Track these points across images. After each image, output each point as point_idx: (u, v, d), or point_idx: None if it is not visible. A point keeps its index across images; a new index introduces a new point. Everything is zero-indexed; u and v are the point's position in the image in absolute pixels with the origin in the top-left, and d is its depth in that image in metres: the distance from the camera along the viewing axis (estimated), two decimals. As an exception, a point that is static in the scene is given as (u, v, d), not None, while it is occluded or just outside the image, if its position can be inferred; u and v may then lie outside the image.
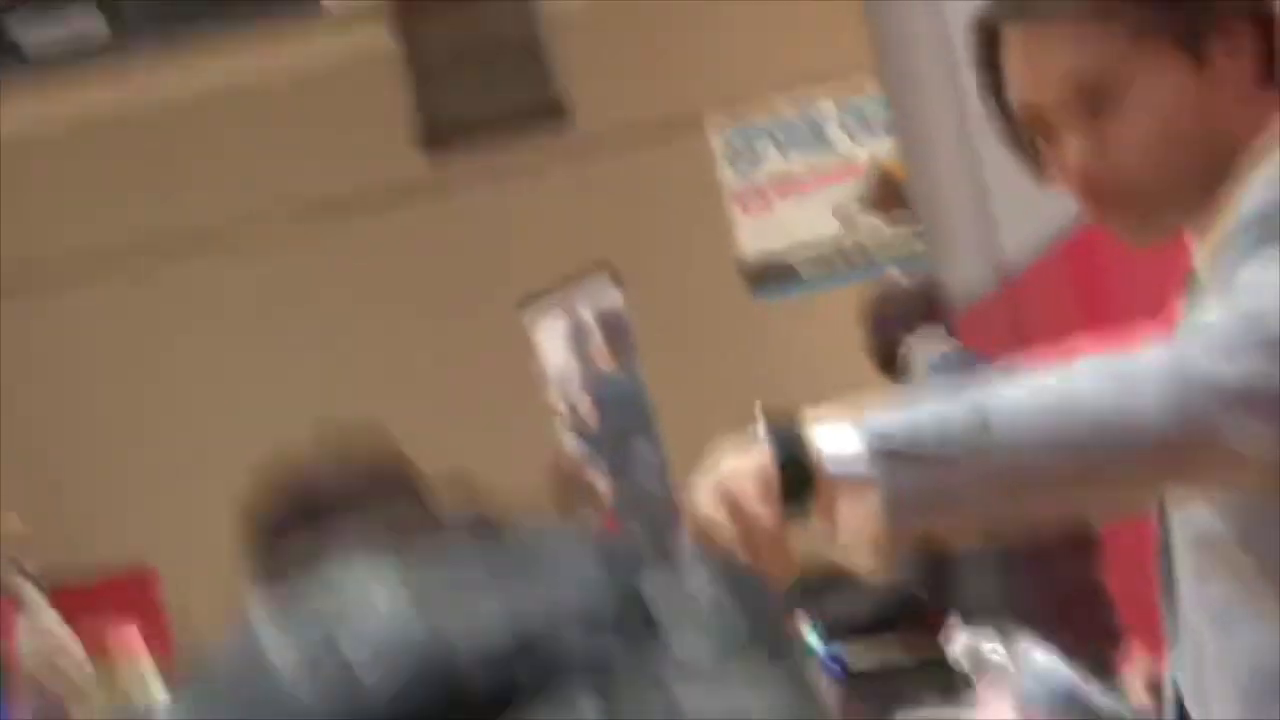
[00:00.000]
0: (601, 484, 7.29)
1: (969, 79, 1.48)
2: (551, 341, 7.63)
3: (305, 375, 12.06)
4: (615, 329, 7.35)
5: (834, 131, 10.89)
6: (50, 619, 11.63)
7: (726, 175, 11.12)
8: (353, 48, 11.74)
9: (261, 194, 11.71)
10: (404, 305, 11.69)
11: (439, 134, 11.54)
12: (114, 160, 11.87)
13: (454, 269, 11.33)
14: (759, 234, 10.83)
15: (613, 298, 7.34)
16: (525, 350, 7.71)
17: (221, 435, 11.78)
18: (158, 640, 11.99)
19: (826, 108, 11.08)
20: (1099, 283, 6.62)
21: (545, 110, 11.07)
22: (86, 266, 11.97)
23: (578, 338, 7.54)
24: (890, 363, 3.85)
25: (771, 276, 10.78)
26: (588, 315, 7.56)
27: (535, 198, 11.12)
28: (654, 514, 6.79)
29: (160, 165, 11.82)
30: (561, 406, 7.44)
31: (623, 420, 7.18)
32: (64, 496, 12.08)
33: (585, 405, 7.38)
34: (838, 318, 11.70)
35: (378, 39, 11.72)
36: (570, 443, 7.41)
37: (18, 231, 11.80)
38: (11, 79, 11.10)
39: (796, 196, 10.93)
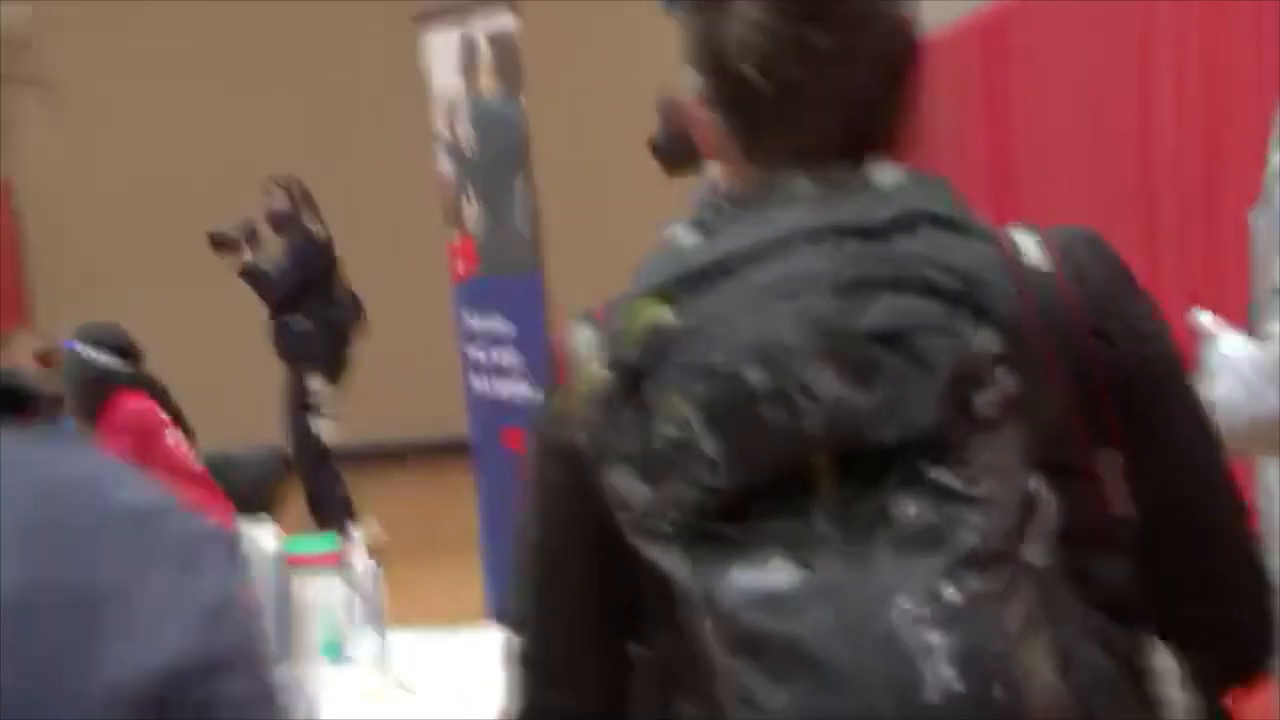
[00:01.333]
0: (470, 212, 6.88)
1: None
2: (441, 61, 6.73)
3: (186, 93, 11.51)
4: (506, 54, 6.56)
5: None
6: None
7: None
8: None
9: None
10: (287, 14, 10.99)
11: None
12: None
13: None
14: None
15: (506, 21, 6.46)
16: (414, 66, 6.87)
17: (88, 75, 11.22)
18: (8, 264, 11.20)
19: None
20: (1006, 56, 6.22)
21: None
22: None
23: (467, 59, 6.67)
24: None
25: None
26: (480, 36, 6.62)
27: None
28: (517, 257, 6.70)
29: None
30: (444, 129, 6.77)
31: (500, 151, 6.66)
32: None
33: (465, 130, 6.74)
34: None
35: None
36: (446, 166, 6.84)
37: None
38: None
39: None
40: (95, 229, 11.87)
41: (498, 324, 6.63)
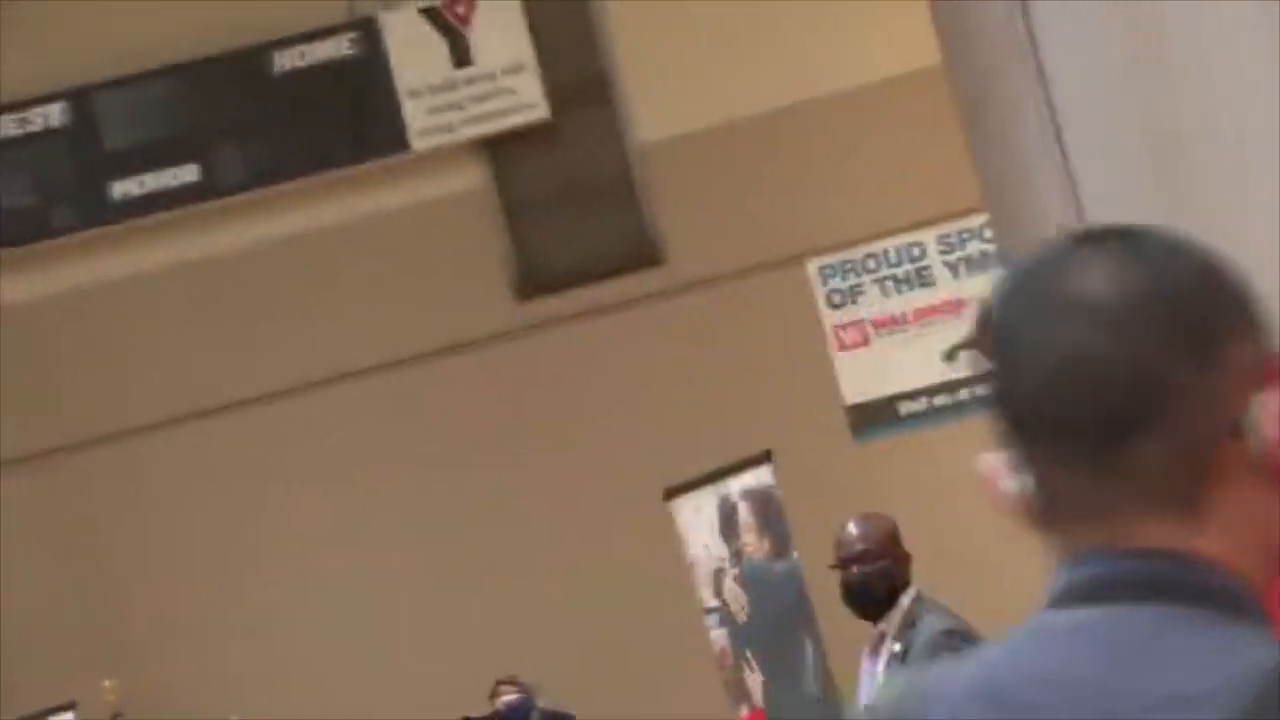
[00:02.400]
0: (754, 680, 6.38)
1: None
2: (696, 527, 6.37)
3: (396, 526, 11.33)
4: (768, 510, 6.13)
5: (938, 269, 10.70)
6: None
7: (826, 314, 10.69)
8: (443, 191, 11.12)
9: (354, 340, 11.12)
10: (498, 452, 11.11)
11: (533, 279, 10.90)
12: (205, 308, 11.24)
13: (544, 412, 10.87)
14: (860, 374, 10.62)
15: (764, 475, 6.04)
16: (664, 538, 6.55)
17: (305, 593, 11.33)
18: None
19: (929, 245, 10.78)
20: None
21: (640, 252, 10.75)
22: (175, 417, 11.22)
23: (727, 521, 6.29)
24: None
25: (873, 417, 10.46)
26: (736, 494, 6.25)
27: (631, 341, 10.52)
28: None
29: (252, 312, 11.22)
30: (709, 597, 6.34)
31: (778, 611, 6.17)
32: (154, 658, 11.04)
33: (735, 595, 6.29)
34: (941, 457, 10.30)
35: (469, 181, 11.16)
36: (719, 636, 6.39)
37: (105, 381, 11.15)
38: (106, 229, 10.93)
39: (899, 335, 10.74)
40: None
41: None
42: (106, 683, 10.59)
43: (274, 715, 11.14)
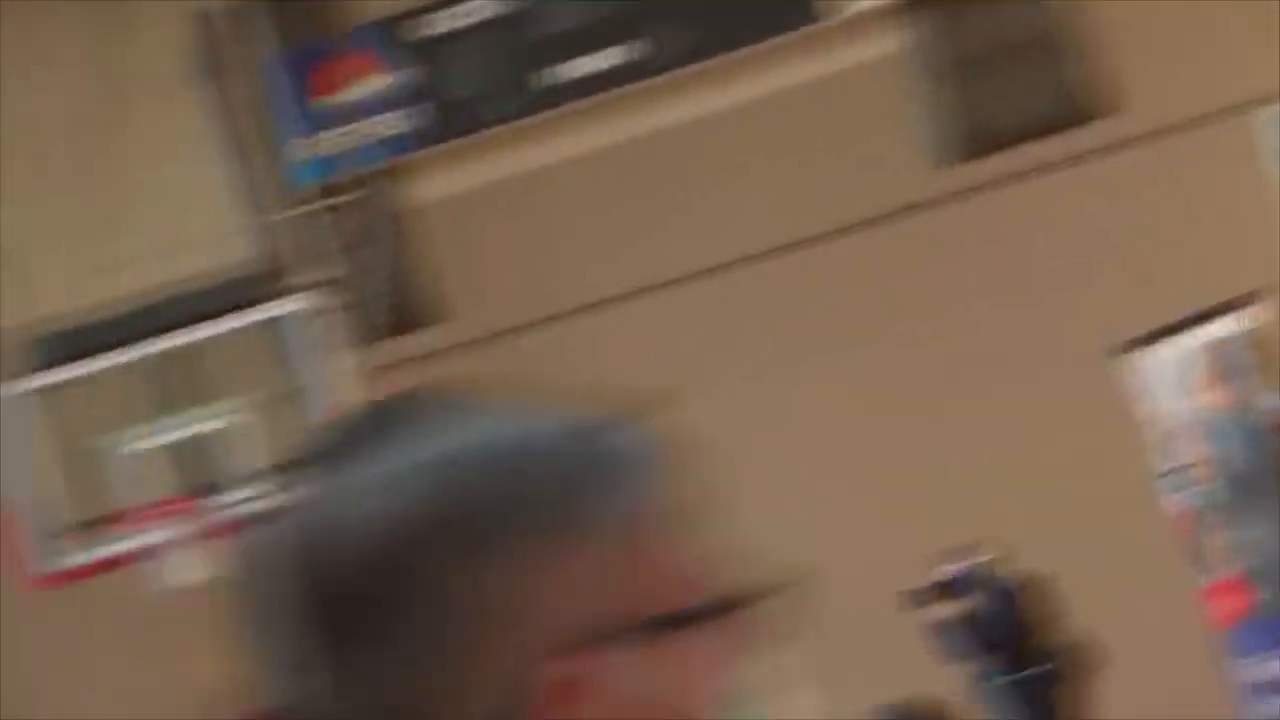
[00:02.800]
0: (1221, 544, 6.11)
1: None
2: (1151, 385, 6.11)
3: (834, 400, 11.30)
4: (1230, 362, 5.83)
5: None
6: None
7: (1272, 168, 9.81)
8: (858, 59, 10.91)
9: (775, 215, 11.03)
10: (930, 320, 10.89)
11: (963, 141, 10.54)
12: (633, 189, 11.36)
13: (979, 277, 10.58)
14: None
15: (1227, 326, 5.75)
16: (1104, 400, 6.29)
17: (737, 475, 11.36)
18: None
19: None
20: None
21: (1071, 110, 10.32)
22: (609, 298, 11.39)
23: (1188, 376, 6.02)
24: None
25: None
26: (1196, 349, 5.97)
27: (1066, 202, 10.13)
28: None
29: (676, 191, 11.27)
30: (1167, 460, 6.09)
31: (1245, 471, 5.88)
32: None
33: (1197, 455, 6.03)
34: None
35: (886, 48, 10.89)
36: (1178, 501, 6.14)
37: (541, 266, 11.39)
38: (537, 117, 11.07)
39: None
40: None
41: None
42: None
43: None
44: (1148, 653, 10.08)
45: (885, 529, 11.28)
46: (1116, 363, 6.27)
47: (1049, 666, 8.58)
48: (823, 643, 11.52)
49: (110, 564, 10.59)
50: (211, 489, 10.38)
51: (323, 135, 11.29)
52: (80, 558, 10.53)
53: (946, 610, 8.71)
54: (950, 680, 8.95)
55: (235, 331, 10.44)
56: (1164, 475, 6.14)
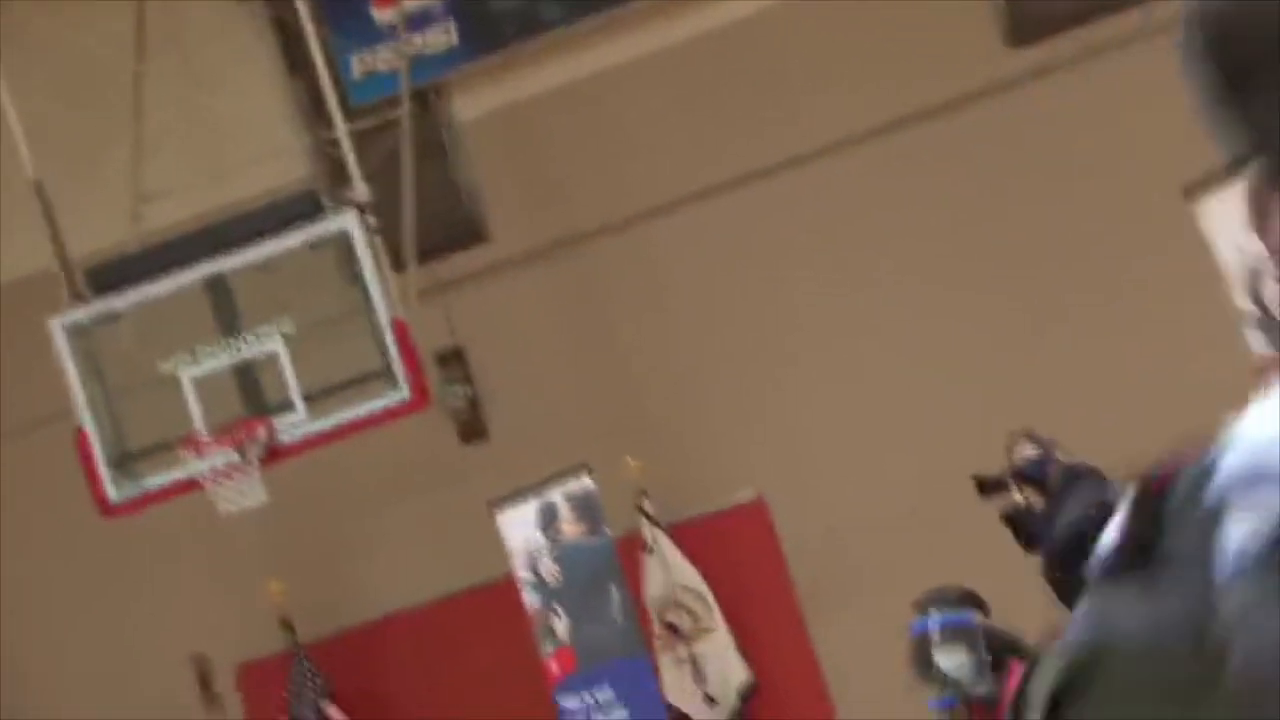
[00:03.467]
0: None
1: None
2: (1228, 225, 5.84)
3: (909, 290, 11.15)
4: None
5: None
6: (674, 557, 10.93)
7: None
8: None
9: (847, 107, 10.88)
10: (999, 205, 10.74)
11: (1027, 25, 10.30)
12: (692, 89, 11.21)
13: (1049, 161, 10.39)
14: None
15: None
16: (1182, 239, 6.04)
17: (822, 362, 11.19)
18: (774, 571, 11.17)
19: None
20: None
21: None
22: (678, 199, 11.22)
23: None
24: None
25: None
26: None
27: (1128, 80, 9.87)
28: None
29: (738, 90, 11.13)
30: (1246, 303, 5.80)
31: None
32: (675, 437, 11.12)
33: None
34: None
35: None
36: (1259, 342, 5.84)
37: (605, 170, 11.23)
38: (592, 20, 10.86)
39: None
40: (846, 522, 11.44)
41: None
42: (631, 460, 10.81)
43: (791, 493, 11.14)
44: None
45: (959, 417, 11.01)
46: (1192, 208, 5.98)
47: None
48: (894, 528, 11.35)
49: (178, 489, 10.49)
50: (274, 410, 10.27)
51: (379, 49, 11.16)
52: (148, 484, 10.44)
53: (1020, 498, 8.44)
54: (1015, 571, 8.72)
55: (292, 252, 10.30)
56: (1248, 320, 5.83)
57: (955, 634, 5.58)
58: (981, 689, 5.58)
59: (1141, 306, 10.72)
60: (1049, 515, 8.35)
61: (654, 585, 10.94)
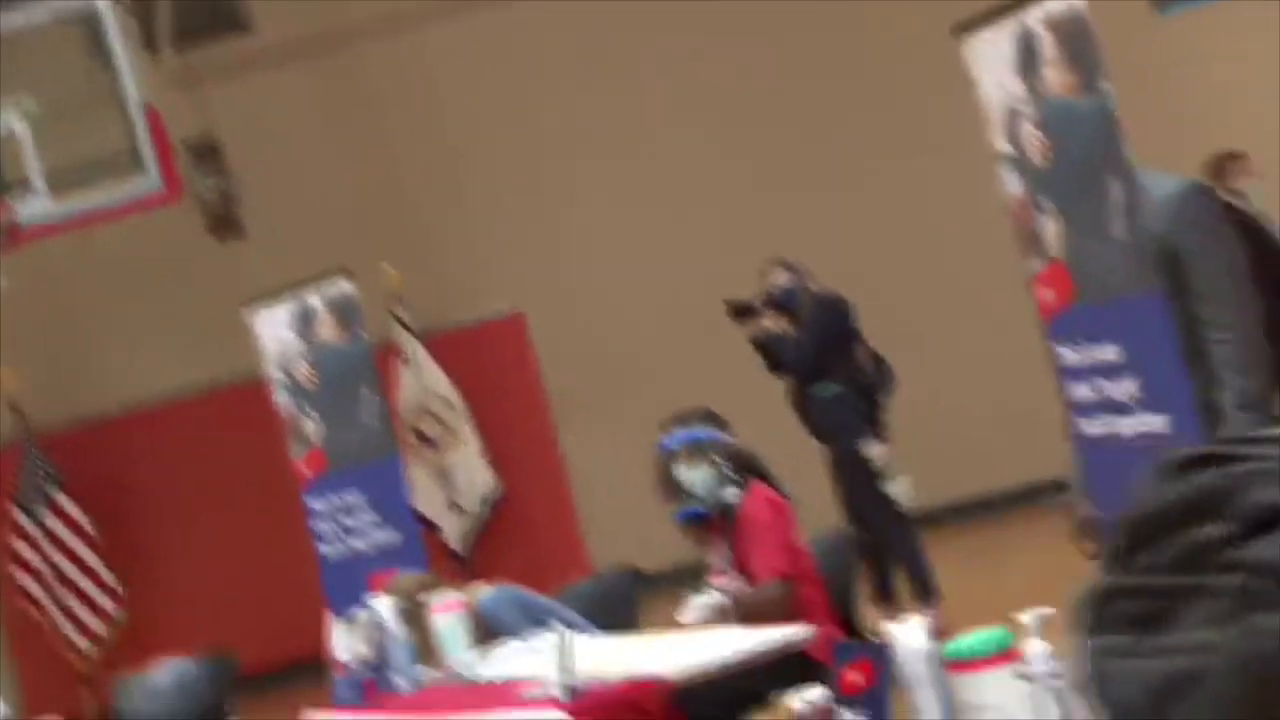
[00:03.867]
0: (1053, 230, 5.95)
1: None
2: (991, 65, 5.86)
3: (674, 110, 11.04)
4: (1076, 41, 5.62)
5: None
6: (428, 367, 10.65)
7: None
8: None
9: None
10: (774, 19, 10.47)
11: None
12: None
13: None
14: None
15: (1074, 3, 5.52)
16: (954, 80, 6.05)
17: (588, 180, 11.05)
18: (528, 384, 10.95)
19: None
20: None
21: None
22: (459, 3, 10.87)
23: (1026, 56, 5.78)
24: None
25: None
26: (1039, 27, 5.72)
27: None
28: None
29: None
30: (1005, 142, 5.88)
31: (1083, 156, 5.73)
32: (436, 246, 10.73)
33: (1033, 138, 5.84)
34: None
35: None
36: (1014, 184, 5.95)
37: None
38: None
39: None
40: (603, 339, 11.48)
41: (1113, 353, 5.68)
42: (389, 268, 10.68)
43: (550, 308, 11.14)
44: (979, 339, 10.16)
45: (715, 239, 11.09)
46: (959, 41, 6.00)
47: (870, 378, 8.56)
48: (663, 348, 11.44)
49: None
50: (13, 191, 9.86)
51: None
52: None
53: (769, 324, 8.60)
54: (768, 393, 8.89)
55: (36, 26, 9.81)
56: (1002, 158, 5.94)
57: (696, 450, 5.72)
58: (721, 502, 5.74)
59: (906, 142, 10.86)
60: (797, 342, 8.52)
61: (407, 393, 10.89)
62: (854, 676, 3.62)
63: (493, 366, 11.19)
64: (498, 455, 11.13)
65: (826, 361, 8.51)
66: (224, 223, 11.36)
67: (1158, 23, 10.35)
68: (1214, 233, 5.29)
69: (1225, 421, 5.18)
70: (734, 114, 11.23)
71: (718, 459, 5.82)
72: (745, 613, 5.77)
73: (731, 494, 5.77)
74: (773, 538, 5.89)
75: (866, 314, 8.64)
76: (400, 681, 5.63)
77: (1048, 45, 5.62)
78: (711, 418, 6.02)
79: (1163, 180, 5.57)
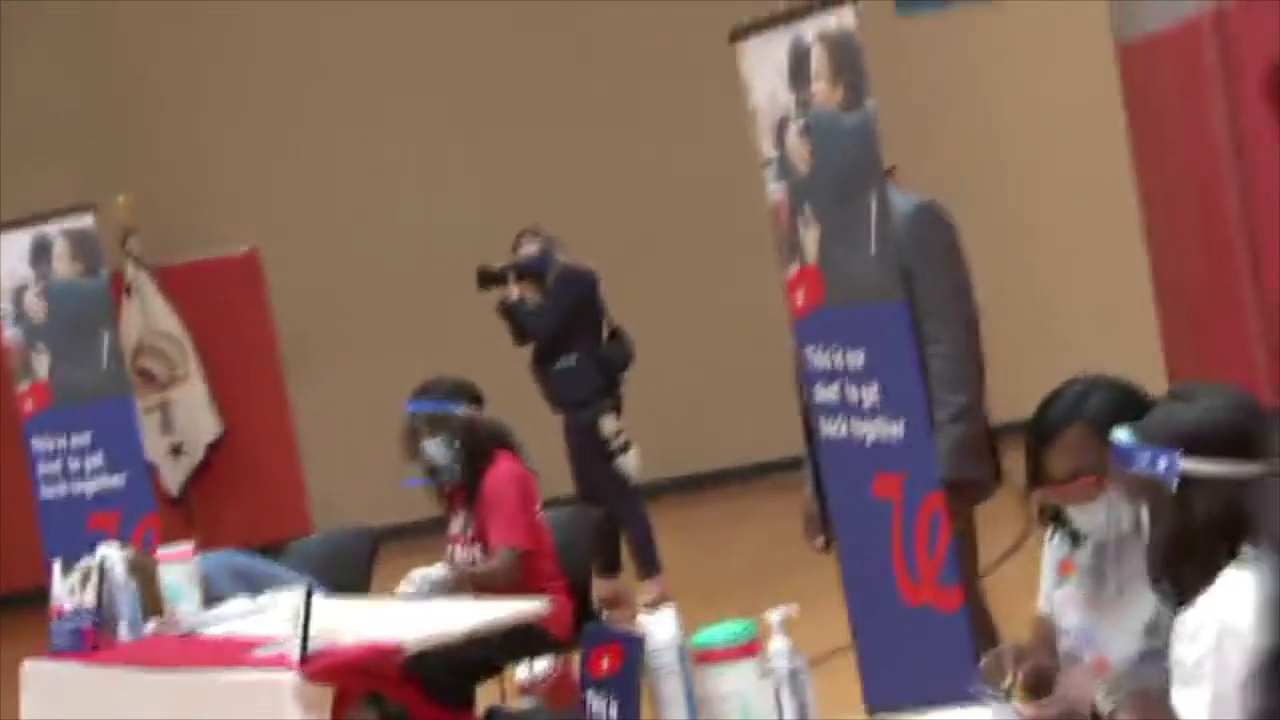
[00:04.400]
0: (810, 236, 6.13)
1: None
2: (763, 72, 6.00)
3: (426, 64, 10.87)
4: (845, 56, 5.80)
5: None
6: (156, 302, 10.36)
7: None
8: None
9: None
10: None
11: None
12: None
13: None
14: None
15: (846, 19, 5.70)
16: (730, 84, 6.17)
17: (336, 122, 10.84)
18: (260, 326, 10.75)
19: None
20: None
21: None
22: None
23: (797, 66, 5.93)
24: None
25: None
26: (811, 39, 5.88)
27: None
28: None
29: None
30: (771, 148, 6.03)
31: (841, 166, 5.91)
32: (172, 178, 10.39)
33: (797, 146, 6.00)
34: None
35: None
36: (777, 189, 6.11)
37: None
38: None
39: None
40: (343, 287, 11.38)
41: (857, 359, 5.90)
42: (121, 198, 10.41)
43: (287, 249, 11.01)
44: (731, 335, 10.42)
45: (466, 205, 11.09)
46: (734, 47, 6.14)
47: (614, 351, 8.69)
48: (408, 310, 11.38)
49: None
50: None
51: None
52: None
53: (516, 292, 8.67)
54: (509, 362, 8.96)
55: None
56: (767, 164, 6.11)
57: (436, 421, 5.79)
58: (456, 476, 5.84)
59: (679, 140, 10.99)
60: (541, 311, 8.61)
61: (131, 329, 10.63)
62: (603, 660, 3.71)
63: (225, 305, 11.01)
64: (223, 397, 10.96)
65: (569, 333, 8.62)
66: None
67: (896, 24, 10.73)
68: (934, 250, 5.59)
69: (941, 432, 5.45)
70: (503, 81, 11.23)
71: (456, 434, 5.90)
72: (475, 584, 5.86)
73: (459, 471, 5.88)
74: (510, 511, 5.98)
75: (613, 286, 8.76)
76: (124, 630, 5.55)
77: (818, 58, 5.79)
78: (461, 390, 6.08)
79: (900, 199, 5.88)
